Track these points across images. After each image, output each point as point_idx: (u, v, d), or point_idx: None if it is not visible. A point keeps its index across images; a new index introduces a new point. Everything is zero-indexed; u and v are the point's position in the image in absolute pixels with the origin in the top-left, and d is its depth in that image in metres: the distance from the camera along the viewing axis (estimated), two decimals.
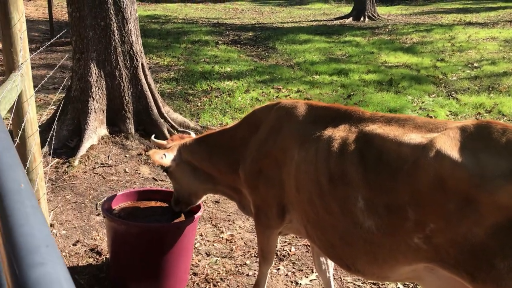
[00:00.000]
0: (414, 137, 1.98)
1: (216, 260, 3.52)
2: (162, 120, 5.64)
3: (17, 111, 3.33)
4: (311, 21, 17.42)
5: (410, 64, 10.03)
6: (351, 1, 21.66)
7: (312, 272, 3.39)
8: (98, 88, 5.40)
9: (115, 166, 5.00)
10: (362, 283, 3.28)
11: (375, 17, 17.46)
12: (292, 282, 3.31)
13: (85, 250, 3.57)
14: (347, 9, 20.26)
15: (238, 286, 3.25)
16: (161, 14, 17.58)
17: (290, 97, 7.58)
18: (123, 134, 5.47)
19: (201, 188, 3.06)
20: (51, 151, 4.90)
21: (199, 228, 3.87)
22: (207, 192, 3.17)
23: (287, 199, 2.49)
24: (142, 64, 5.65)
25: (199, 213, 3.16)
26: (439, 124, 2.03)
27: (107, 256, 3.43)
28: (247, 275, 3.36)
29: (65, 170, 4.80)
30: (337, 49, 11.64)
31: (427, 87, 8.26)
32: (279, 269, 3.44)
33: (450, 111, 7.05)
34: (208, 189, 3.11)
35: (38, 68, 8.62)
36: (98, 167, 4.94)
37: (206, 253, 3.62)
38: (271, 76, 8.95)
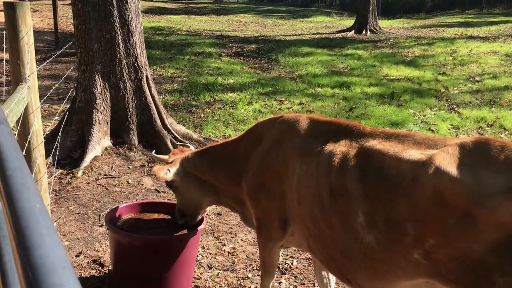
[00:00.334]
0: (414, 154, 2.01)
1: (218, 273, 3.53)
2: (165, 132, 5.68)
3: (23, 123, 3.38)
4: (313, 34, 17.54)
5: (412, 77, 10.08)
6: (353, 14, 21.82)
7: (314, 286, 3.39)
8: (103, 99, 5.45)
9: (118, 177, 5.03)
10: None
11: (377, 30, 17.57)
12: None
13: (88, 262, 3.59)
14: (349, 22, 20.40)
15: None
16: (165, 26, 17.73)
17: (292, 109, 7.62)
18: (126, 146, 5.51)
19: (205, 201, 3.09)
20: (55, 162, 4.93)
21: (201, 241, 3.88)
22: (211, 204, 3.20)
23: (289, 212, 2.51)
24: (147, 76, 5.71)
25: (202, 226, 3.18)
26: (438, 141, 2.06)
27: (110, 268, 3.45)
28: None
29: (68, 181, 4.83)
30: (339, 62, 11.71)
31: (429, 100, 8.30)
32: (281, 282, 3.44)
33: (452, 125, 7.08)
34: (211, 201, 3.13)
35: (43, 79, 8.70)
36: (101, 178, 4.97)
37: (208, 265, 3.63)
38: (273, 88, 9.01)
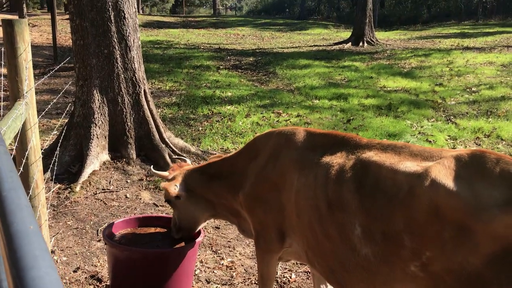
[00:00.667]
0: (410, 165, 2.02)
1: (216, 287, 3.51)
2: (163, 146, 5.70)
3: (21, 138, 3.39)
4: (310, 46, 17.67)
5: (409, 88, 10.14)
6: (350, 26, 21.99)
7: None
8: (101, 114, 5.48)
9: (116, 191, 5.03)
10: None
11: (373, 42, 17.71)
12: None
13: (86, 277, 3.57)
14: (346, 34, 20.56)
15: None
16: (164, 40, 17.85)
17: (290, 122, 7.65)
18: (124, 160, 5.52)
19: (204, 216, 3.10)
20: (53, 176, 4.94)
21: (199, 255, 3.88)
22: (210, 218, 3.21)
23: (288, 223, 2.52)
24: (144, 91, 5.74)
25: (200, 238, 3.18)
26: (434, 153, 2.07)
27: (108, 283, 3.43)
28: None
29: (66, 195, 4.83)
30: (337, 74, 11.78)
31: (426, 111, 8.34)
32: None
33: (449, 136, 7.11)
34: (210, 216, 3.15)
35: (41, 93, 8.74)
36: (99, 193, 4.97)
37: (206, 280, 3.62)
38: (271, 100, 9.05)
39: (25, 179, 3.52)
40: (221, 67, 12.56)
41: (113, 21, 5.41)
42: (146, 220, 3.47)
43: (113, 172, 5.35)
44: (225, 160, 2.98)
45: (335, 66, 13.01)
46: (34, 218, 0.76)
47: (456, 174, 1.89)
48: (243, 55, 14.94)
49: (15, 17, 13.49)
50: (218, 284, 3.56)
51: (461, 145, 6.73)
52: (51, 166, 4.98)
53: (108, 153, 5.53)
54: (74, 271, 3.65)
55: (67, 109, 6.43)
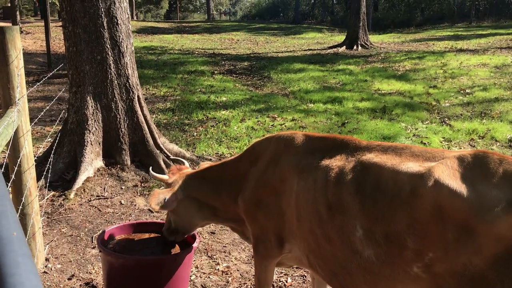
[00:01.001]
0: (412, 166, 2.00)
1: None
2: (158, 151, 5.68)
3: (14, 146, 3.37)
4: (305, 50, 17.72)
5: (403, 91, 10.17)
6: (344, 30, 22.09)
7: None
8: (95, 120, 5.46)
9: (111, 198, 5.01)
10: None
11: (368, 45, 17.78)
12: None
13: (80, 285, 3.54)
14: (340, 38, 20.64)
15: None
16: (158, 45, 17.85)
17: (285, 126, 7.65)
18: (119, 166, 5.50)
19: (203, 221, 3.08)
20: (47, 184, 4.91)
21: (194, 260, 3.86)
22: (209, 223, 3.19)
23: (288, 228, 2.51)
24: (138, 96, 5.73)
25: (195, 244, 3.16)
26: (436, 153, 2.05)
27: None
28: None
29: (61, 203, 4.80)
30: (331, 78, 11.81)
31: (420, 114, 8.37)
32: None
33: (444, 138, 7.12)
34: (210, 220, 3.12)
35: (35, 101, 8.70)
36: (94, 200, 4.94)
37: (202, 285, 3.60)
38: (266, 105, 9.06)
39: (18, 186, 3.50)
40: (215, 72, 12.57)
41: (105, 28, 5.41)
42: (140, 226, 3.45)
43: (107, 179, 5.33)
44: (225, 166, 2.95)
45: (330, 69, 13.04)
46: (18, 225, 0.75)
47: (460, 175, 1.87)
48: (237, 60, 14.96)
49: (9, 24, 13.48)
50: None
51: (456, 146, 6.75)
52: (45, 173, 4.96)
53: (102, 160, 5.51)
54: (69, 279, 3.62)
55: (60, 116, 6.41)
